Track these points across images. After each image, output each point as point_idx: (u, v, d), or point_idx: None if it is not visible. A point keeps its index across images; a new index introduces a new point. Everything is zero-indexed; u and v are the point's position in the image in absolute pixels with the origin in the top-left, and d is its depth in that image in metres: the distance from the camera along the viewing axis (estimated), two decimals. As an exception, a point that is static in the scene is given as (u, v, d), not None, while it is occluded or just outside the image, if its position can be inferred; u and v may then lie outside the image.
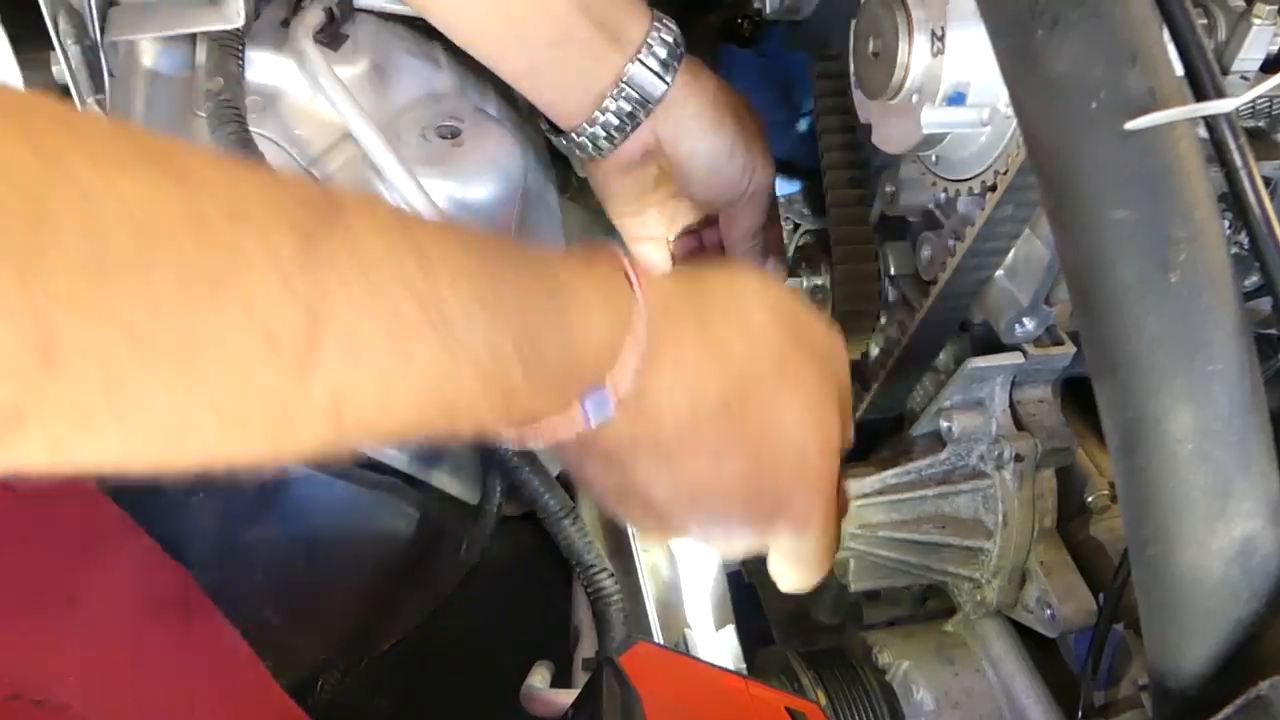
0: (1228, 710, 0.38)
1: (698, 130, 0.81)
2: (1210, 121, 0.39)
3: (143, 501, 0.77)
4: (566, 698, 0.73)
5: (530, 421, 0.49)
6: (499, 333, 0.43)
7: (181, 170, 0.35)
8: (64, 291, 0.31)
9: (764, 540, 0.62)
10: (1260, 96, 0.64)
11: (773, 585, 1.03)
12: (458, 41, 0.79)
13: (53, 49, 0.63)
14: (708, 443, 0.54)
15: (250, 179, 0.37)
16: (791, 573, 0.65)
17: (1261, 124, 0.65)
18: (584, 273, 0.50)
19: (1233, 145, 0.38)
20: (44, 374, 0.31)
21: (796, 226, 0.96)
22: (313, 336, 0.37)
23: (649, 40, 0.77)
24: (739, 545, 0.62)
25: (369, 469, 0.91)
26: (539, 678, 0.78)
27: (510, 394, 0.45)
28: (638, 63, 0.77)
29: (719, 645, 0.78)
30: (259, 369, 0.36)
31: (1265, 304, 0.73)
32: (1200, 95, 0.38)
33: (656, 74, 0.77)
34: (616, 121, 0.79)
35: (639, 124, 0.79)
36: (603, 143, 0.81)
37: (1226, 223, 0.52)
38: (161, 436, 0.35)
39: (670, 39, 0.78)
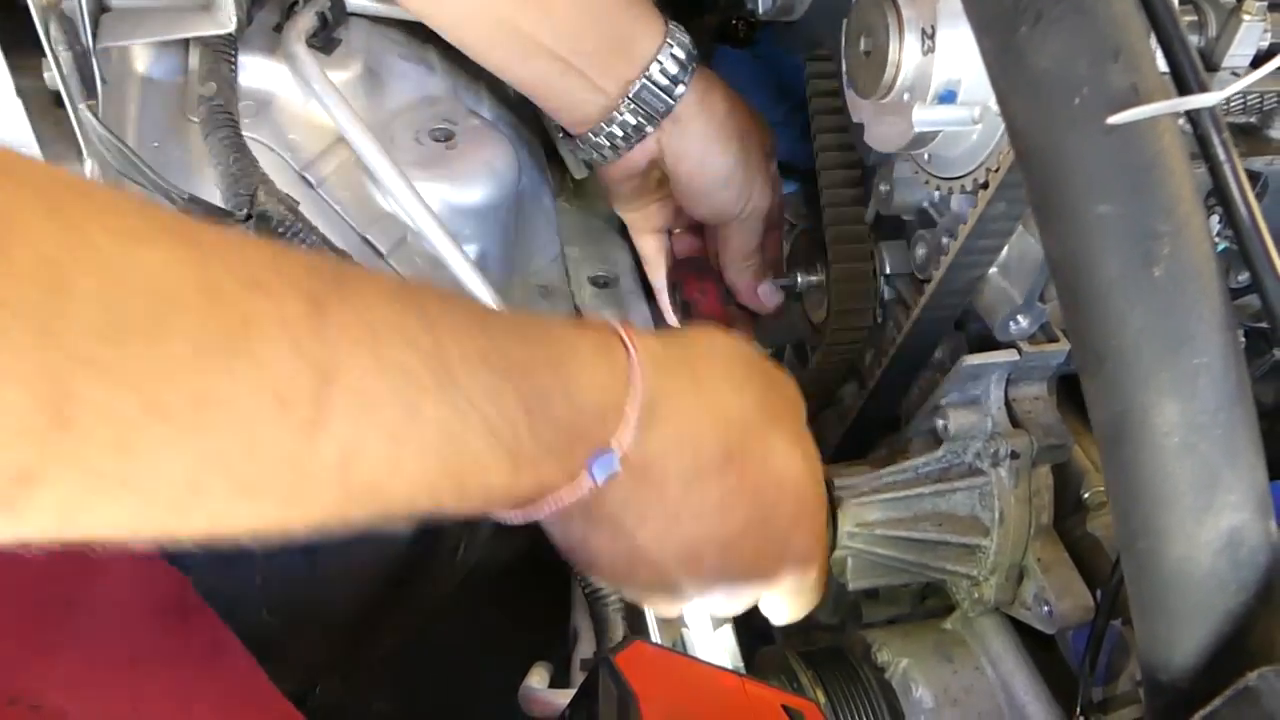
0: (1217, 702, 0.38)
1: (700, 151, 0.81)
2: (1194, 116, 0.39)
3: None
4: (564, 698, 0.73)
5: (536, 492, 0.49)
6: (504, 390, 0.44)
7: (196, 240, 0.36)
8: (80, 354, 0.31)
9: (770, 589, 0.63)
10: (1251, 92, 0.64)
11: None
12: (463, 50, 0.79)
13: (44, 56, 0.63)
14: (712, 497, 0.55)
15: (262, 249, 0.38)
16: (790, 607, 0.65)
17: (1252, 119, 0.66)
18: (580, 335, 0.51)
19: (1216, 140, 0.38)
20: (57, 435, 0.31)
21: (792, 226, 0.96)
22: (322, 396, 0.37)
23: (659, 56, 0.77)
24: (745, 600, 0.63)
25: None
26: (537, 678, 0.78)
27: (518, 455, 0.45)
28: (645, 79, 0.77)
29: (716, 645, 0.78)
30: (269, 429, 0.36)
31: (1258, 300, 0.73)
32: (1183, 90, 0.39)
33: (664, 90, 0.77)
34: (622, 134, 0.79)
35: (645, 136, 0.80)
36: (608, 151, 0.81)
37: (1216, 218, 0.52)
38: (170, 501, 0.35)
39: (682, 54, 0.77)
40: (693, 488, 0.54)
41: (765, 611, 0.66)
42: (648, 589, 0.60)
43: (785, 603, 0.65)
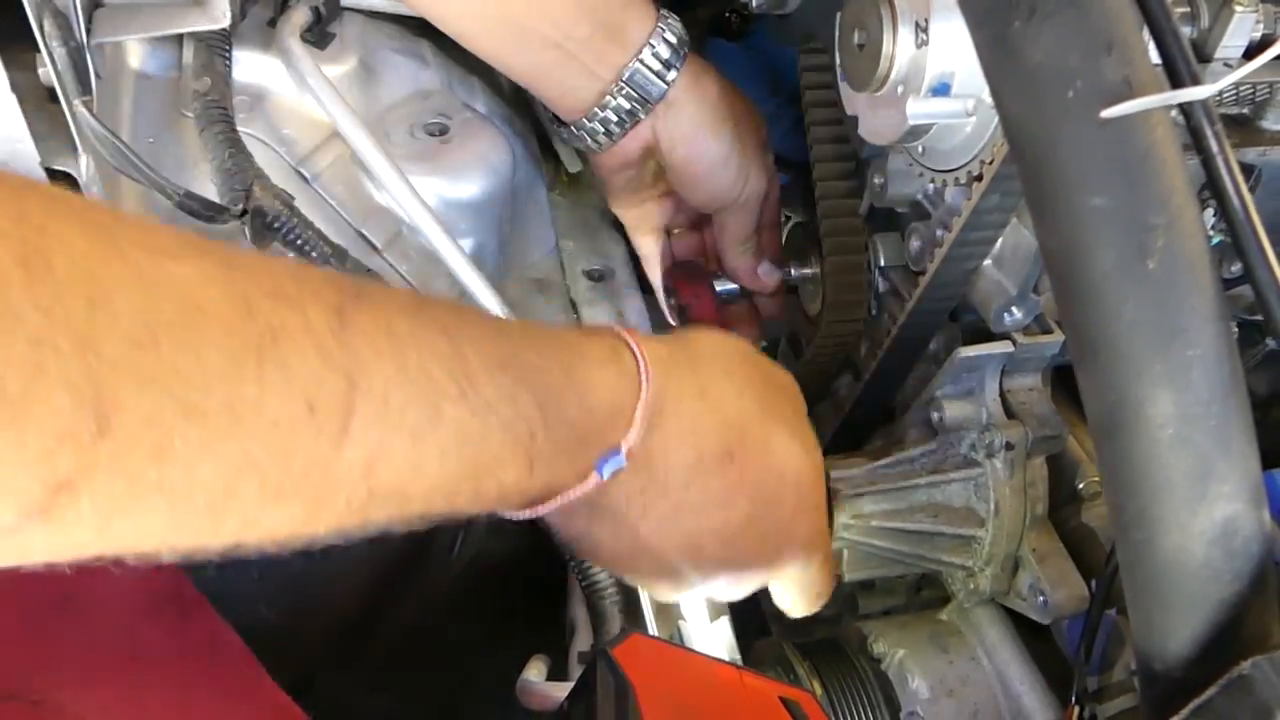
0: (1211, 690, 0.38)
1: (694, 134, 0.81)
2: (1186, 109, 0.39)
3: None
4: (562, 691, 0.73)
5: (547, 491, 0.50)
6: (520, 394, 0.45)
7: (224, 256, 0.37)
8: (119, 362, 0.32)
9: (772, 578, 0.64)
10: (1243, 83, 0.64)
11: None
12: (459, 41, 0.80)
13: (39, 51, 0.63)
14: (714, 490, 0.56)
15: (285, 264, 0.40)
16: (799, 598, 0.67)
17: (1245, 110, 0.66)
18: (590, 341, 0.53)
19: (1209, 132, 0.38)
20: (98, 441, 0.32)
21: (787, 219, 0.96)
22: (349, 402, 0.38)
23: (651, 41, 0.78)
24: (747, 587, 0.64)
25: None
26: (535, 671, 0.78)
27: (533, 455, 0.47)
28: (638, 63, 0.78)
29: (714, 637, 0.78)
30: (299, 434, 0.37)
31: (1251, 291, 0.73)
32: (1176, 83, 0.39)
33: (657, 74, 0.78)
34: (615, 119, 0.80)
35: (639, 121, 0.80)
36: (601, 138, 0.82)
37: (1210, 210, 0.53)
38: (205, 507, 0.36)
39: (674, 40, 0.78)
40: (695, 482, 0.55)
41: (779, 603, 0.67)
42: (649, 577, 0.62)
43: (793, 593, 0.66)
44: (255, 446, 0.36)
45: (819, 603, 0.67)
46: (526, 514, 0.52)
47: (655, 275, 0.93)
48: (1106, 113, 0.37)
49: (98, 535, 0.35)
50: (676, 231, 0.93)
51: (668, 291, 0.92)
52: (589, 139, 0.82)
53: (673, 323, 0.83)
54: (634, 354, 0.53)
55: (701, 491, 0.56)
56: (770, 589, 0.66)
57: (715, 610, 0.80)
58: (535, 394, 0.46)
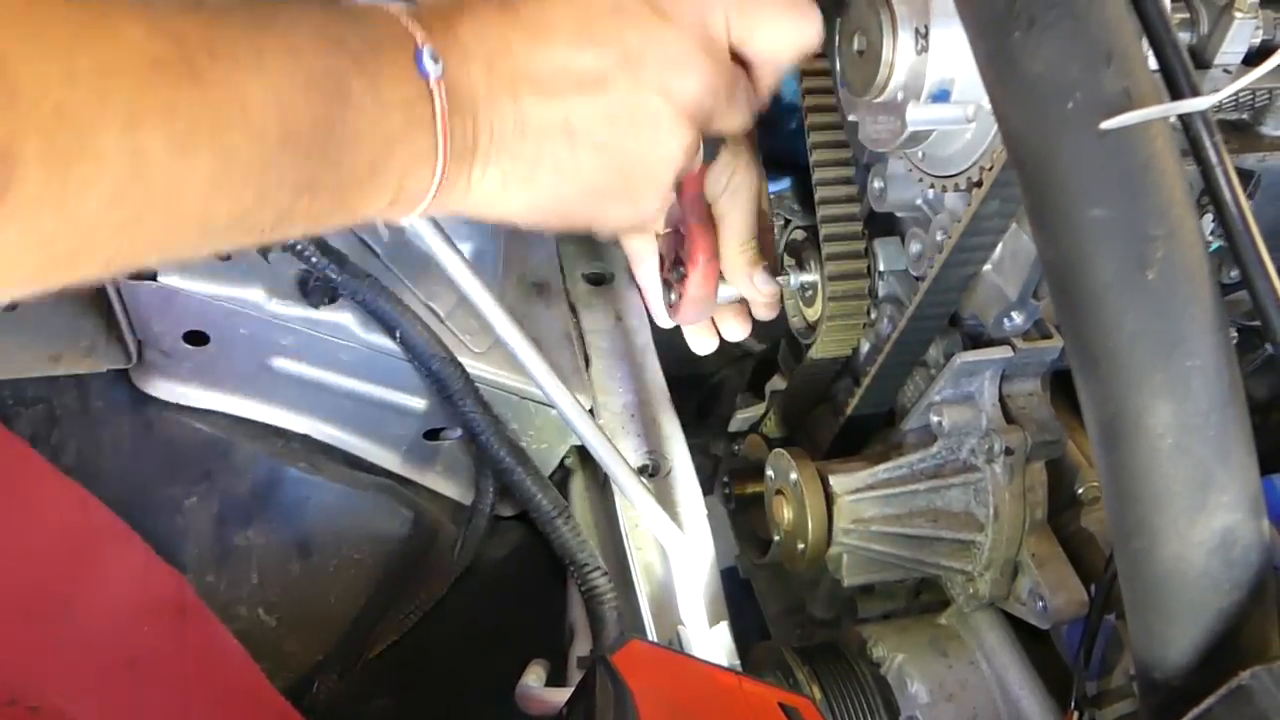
0: (1210, 700, 0.38)
1: None
2: (1185, 119, 0.39)
3: (136, 505, 0.78)
4: (561, 696, 0.73)
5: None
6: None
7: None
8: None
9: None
10: (1243, 89, 0.64)
11: (768, 582, 1.04)
12: None
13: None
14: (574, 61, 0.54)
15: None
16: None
17: (1244, 116, 0.66)
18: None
19: (1208, 142, 0.38)
20: (7, 106, 0.34)
21: (787, 223, 0.96)
22: (202, 52, 0.41)
23: None
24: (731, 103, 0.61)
25: (362, 471, 0.92)
26: (534, 676, 0.78)
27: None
28: None
29: (713, 642, 0.79)
30: (164, 83, 0.39)
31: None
32: (1175, 94, 0.39)
33: None
34: None
35: None
36: None
37: (1209, 217, 0.53)
38: (126, 172, 0.38)
39: None
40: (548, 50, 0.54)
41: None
42: (593, 211, 0.60)
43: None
44: (134, 98, 0.38)
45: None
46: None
47: (643, 275, 0.93)
48: (1106, 124, 0.37)
49: (55, 214, 0.37)
50: (665, 230, 0.93)
51: (666, 284, 0.91)
52: None
53: (664, 321, 0.83)
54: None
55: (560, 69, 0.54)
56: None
57: (714, 615, 0.80)
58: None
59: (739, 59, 0.62)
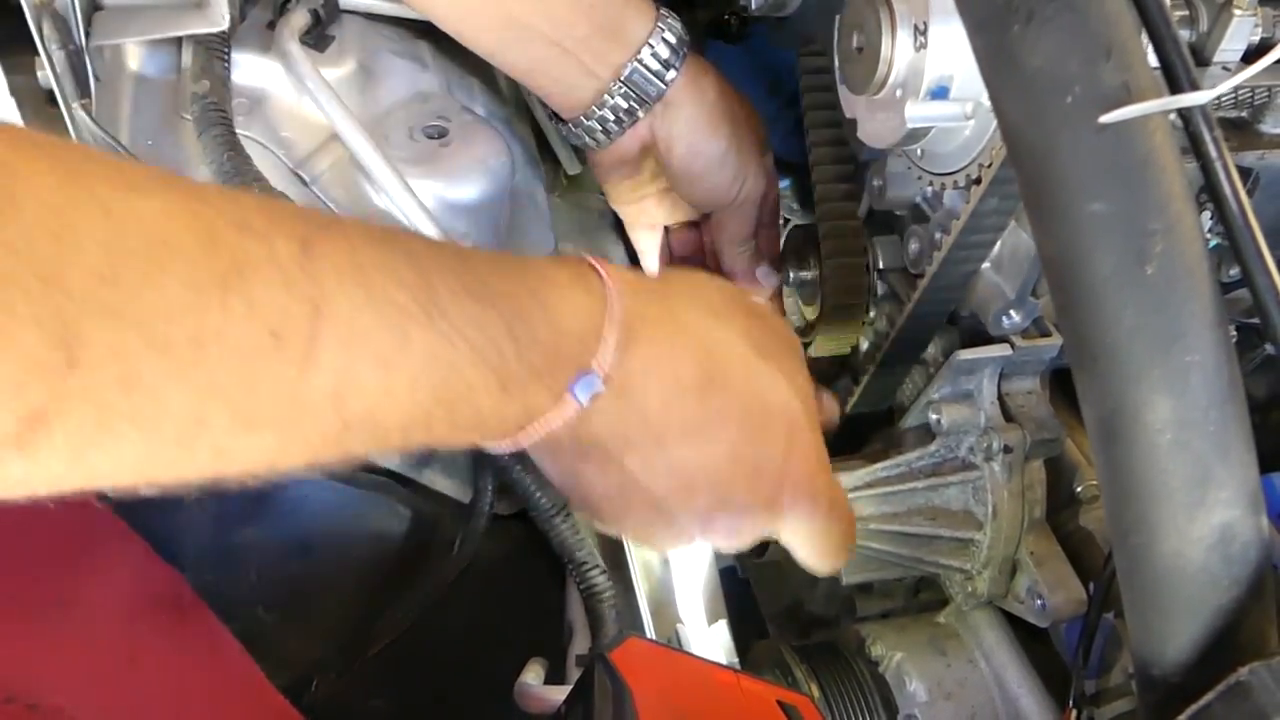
0: (1209, 697, 0.38)
1: (691, 134, 0.81)
2: (1185, 114, 0.39)
3: (135, 503, 0.78)
4: (560, 694, 0.73)
5: (524, 417, 0.50)
6: (489, 318, 0.46)
7: (190, 189, 0.38)
8: (85, 297, 0.33)
9: (774, 524, 0.61)
10: (1242, 87, 0.64)
11: (767, 580, 1.04)
12: (458, 39, 0.80)
13: (38, 54, 0.63)
14: (696, 420, 0.55)
15: (252, 197, 0.41)
16: (817, 550, 0.64)
17: (1243, 114, 0.66)
18: (557, 266, 0.53)
19: (1208, 138, 0.38)
20: (68, 373, 0.33)
21: (786, 221, 0.96)
22: (314, 330, 0.39)
23: (650, 41, 0.78)
24: (748, 534, 0.61)
25: (361, 469, 0.91)
26: (532, 675, 0.78)
27: (505, 377, 0.47)
28: (637, 62, 0.78)
29: (711, 640, 0.79)
30: (265, 362, 0.38)
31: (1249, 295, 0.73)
32: (1175, 88, 0.39)
33: (655, 74, 0.78)
34: (614, 117, 0.80)
35: (637, 120, 0.80)
36: (600, 136, 0.82)
37: (1208, 214, 0.53)
38: (175, 436, 0.37)
39: (673, 39, 0.78)
40: (673, 407, 0.54)
41: (799, 558, 0.64)
42: (645, 523, 0.59)
43: (804, 543, 0.63)
44: (222, 375, 0.37)
45: (839, 556, 0.64)
46: (508, 445, 0.51)
47: (652, 271, 0.93)
48: (1105, 118, 0.37)
49: (72, 466, 0.35)
50: (675, 228, 0.93)
51: None
52: (587, 137, 0.83)
53: None
54: (600, 277, 0.53)
55: (681, 418, 0.55)
56: (783, 542, 0.63)
57: (713, 613, 0.80)
58: (503, 317, 0.46)
59: None
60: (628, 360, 0.52)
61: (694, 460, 0.56)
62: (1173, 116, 0.39)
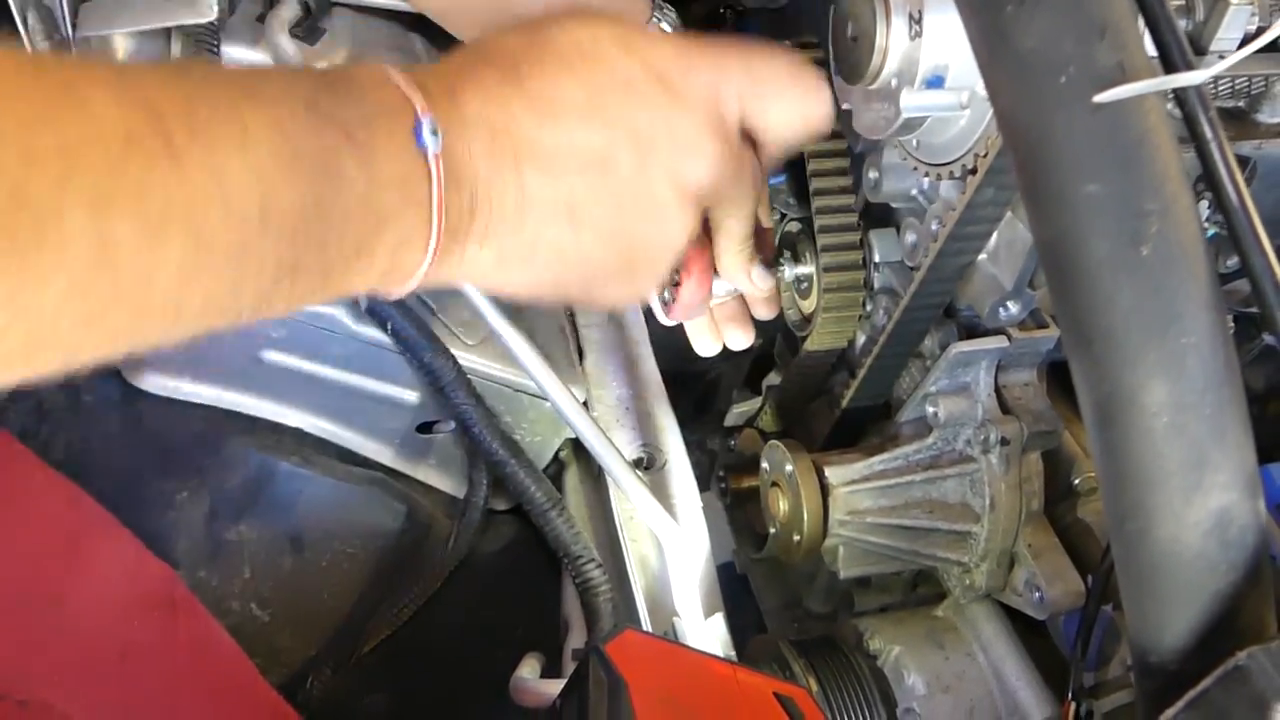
0: (1207, 682, 0.38)
1: None
2: (1181, 95, 0.38)
3: (127, 500, 0.77)
4: (556, 688, 0.73)
5: (399, 184, 0.47)
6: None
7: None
8: None
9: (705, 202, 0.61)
10: (1239, 75, 0.64)
11: (764, 576, 1.04)
12: (449, 29, 0.79)
13: (22, 45, 0.62)
14: (579, 138, 0.53)
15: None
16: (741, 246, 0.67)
17: (1240, 104, 0.65)
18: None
19: (1203, 119, 0.38)
20: None
21: (782, 216, 0.96)
22: (165, 129, 0.38)
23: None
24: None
25: (355, 464, 0.91)
26: (528, 669, 0.78)
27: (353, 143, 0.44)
28: None
29: (708, 633, 0.78)
30: (134, 163, 0.37)
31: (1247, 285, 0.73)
32: (1170, 69, 0.38)
33: None
34: None
35: None
36: None
37: (1205, 202, 0.52)
38: (89, 260, 0.36)
39: (669, 29, 0.78)
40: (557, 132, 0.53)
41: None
42: (593, 279, 0.58)
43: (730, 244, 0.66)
44: (105, 181, 0.36)
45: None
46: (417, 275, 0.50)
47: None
48: (1100, 97, 0.36)
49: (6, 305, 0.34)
50: None
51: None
52: None
53: (662, 318, 0.82)
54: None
55: (567, 139, 0.53)
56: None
57: (709, 606, 0.80)
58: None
59: (747, 135, 0.61)
60: (462, 95, 0.50)
61: (588, 180, 0.54)
62: (1171, 107, 0.39)
